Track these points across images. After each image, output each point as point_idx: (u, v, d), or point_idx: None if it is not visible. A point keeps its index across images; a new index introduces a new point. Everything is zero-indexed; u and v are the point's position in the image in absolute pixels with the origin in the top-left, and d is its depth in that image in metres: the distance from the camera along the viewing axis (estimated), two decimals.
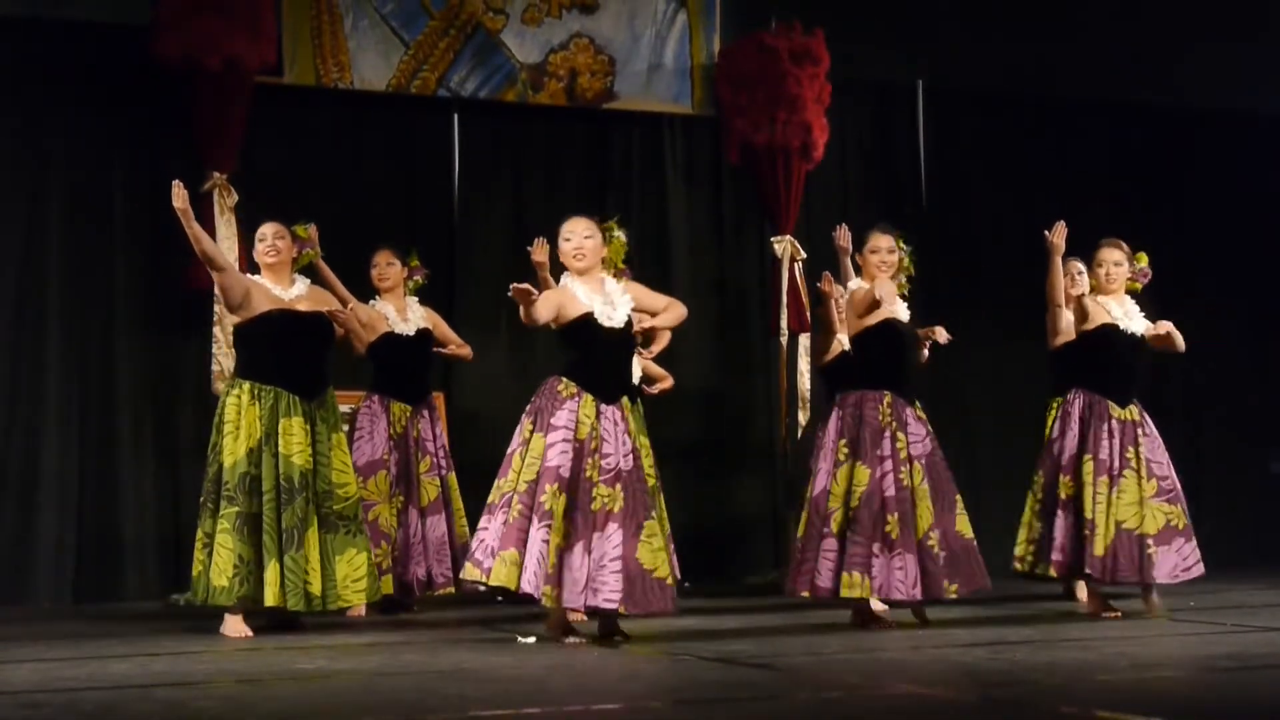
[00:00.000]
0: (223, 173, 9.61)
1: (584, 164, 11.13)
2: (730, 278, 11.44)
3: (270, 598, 7.70)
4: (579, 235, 7.46)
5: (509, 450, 7.34)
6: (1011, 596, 9.19)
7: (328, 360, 8.20)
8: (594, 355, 7.35)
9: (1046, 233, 8.36)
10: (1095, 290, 8.56)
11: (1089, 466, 8.27)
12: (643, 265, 10.73)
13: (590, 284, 7.41)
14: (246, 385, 7.90)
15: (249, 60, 9.58)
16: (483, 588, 7.33)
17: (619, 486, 7.18)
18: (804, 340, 10.94)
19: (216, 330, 9.57)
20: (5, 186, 9.78)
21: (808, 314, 10.76)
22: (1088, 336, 8.46)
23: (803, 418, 10.91)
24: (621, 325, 7.39)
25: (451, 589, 8.98)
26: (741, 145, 10.89)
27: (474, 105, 10.71)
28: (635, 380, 9.25)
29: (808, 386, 10.95)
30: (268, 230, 8.11)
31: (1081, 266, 9.12)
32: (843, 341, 8.61)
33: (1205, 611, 8.40)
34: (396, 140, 10.66)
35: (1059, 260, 8.40)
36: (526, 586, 7.05)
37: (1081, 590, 8.83)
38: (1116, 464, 8.27)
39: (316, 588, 7.81)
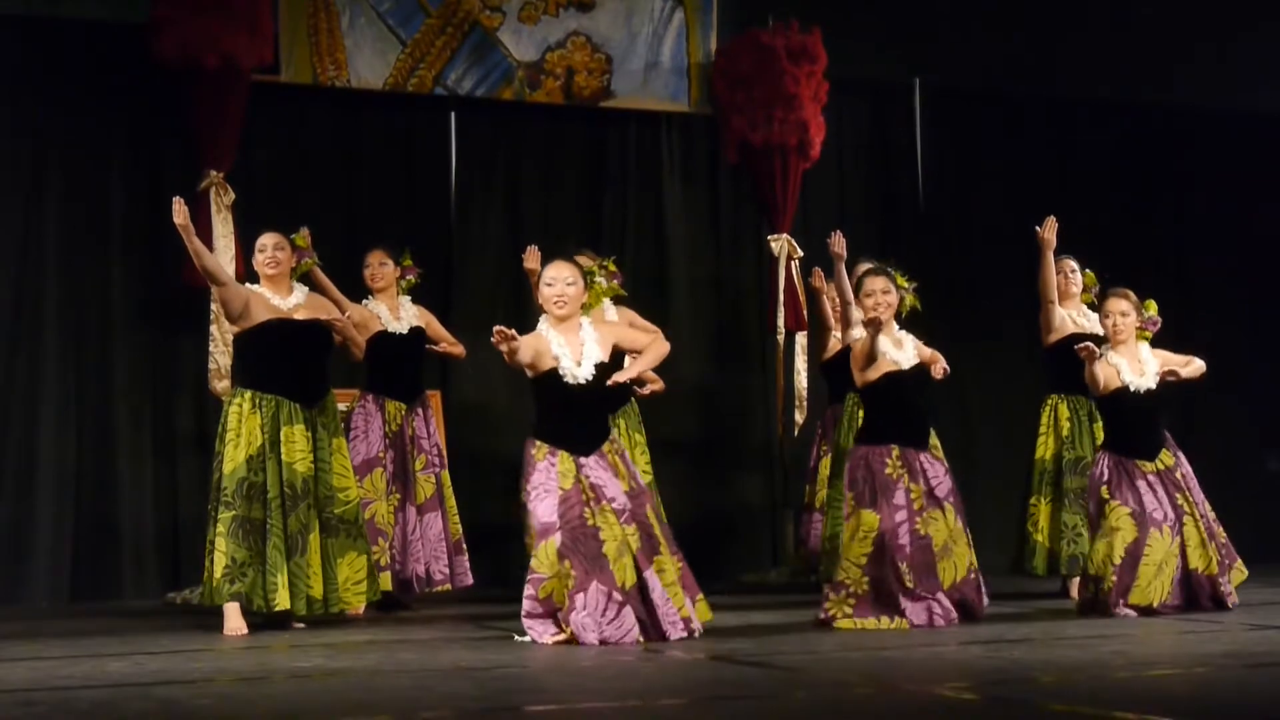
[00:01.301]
0: (220, 171, 9.61)
1: (581, 163, 11.12)
2: (727, 276, 11.44)
3: (283, 601, 7.78)
4: (561, 282, 7.31)
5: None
6: (1007, 595, 9.18)
7: (327, 367, 8.25)
8: (561, 411, 7.24)
9: (1037, 228, 8.32)
10: (1112, 341, 8.39)
11: (1122, 513, 8.17)
12: (639, 264, 10.75)
13: (567, 331, 7.30)
14: (248, 394, 7.97)
15: (246, 58, 9.58)
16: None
17: (634, 525, 7.15)
18: (801, 338, 10.94)
19: (214, 328, 9.56)
20: (3, 183, 9.79)
21: (804, 312, 10.77)
22: (1105, 400, 8.36)
23: (799, 416, 10.91)
24: (589, 379, 7.23)
25: (448, 586, 8.99)
26: (739, 143, 10.89)
27: (471, 103, 10.71)
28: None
29: (805, 385, 10.95)
30: (268, 241, 8.13)
31: (1075, 265, 9.11)
32: (839, 338, 8.62)
33: (1205, 609, 8.39)
34: (393, 138, 10.66)
35: (1050, 256, 8.36)
36: (539, 639, 7.03)
37: (1075, 588, 8.81)
38: (1168, 514, 8.20)
39: (318, 591, 7.90)
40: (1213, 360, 11.89)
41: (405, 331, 9.06)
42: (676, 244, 11.25)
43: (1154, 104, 12.35)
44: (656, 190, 11.24)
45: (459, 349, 9.37)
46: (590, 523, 7.07)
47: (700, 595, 7.44)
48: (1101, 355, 8.32)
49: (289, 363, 8.03)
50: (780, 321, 10.92)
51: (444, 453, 9.24)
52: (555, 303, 7.30)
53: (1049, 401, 9.30)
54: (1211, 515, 8.46)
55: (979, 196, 12.00)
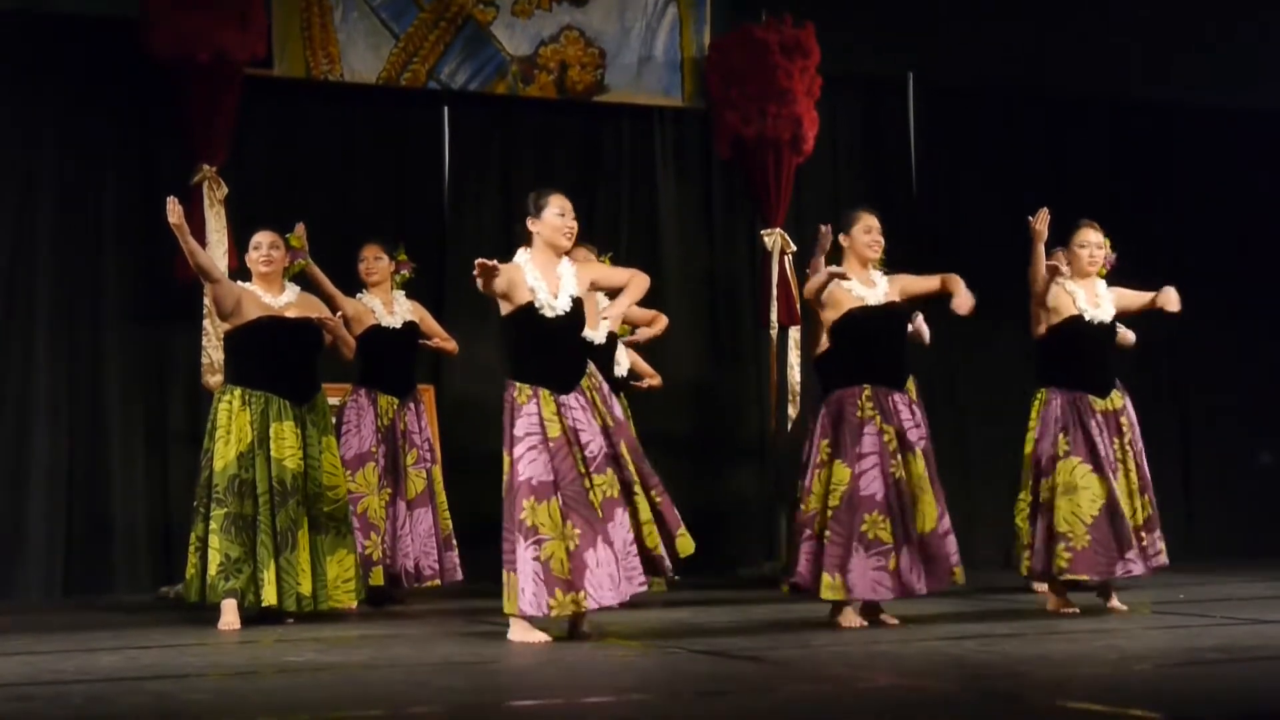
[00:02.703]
0: (213, 165, 9.60)
1: (574, 157, 11.12)
2: (720, 270, 11.45)
3: (270, 597, 7.81)
4: (570, 213, 7.24)
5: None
6: (999, 589, 9.20)
7: (317, 365, 8.26)
8: (538, 346, 7.11)
9: (1030, 219, 8.25)
10: (1076, 273, 8.35)
11: (1073, 466, 8.09)
12: (632, 258, 10.74)
13: (545, 266, 7.19)
14: (237, 391, 8.02)
15: (238, 53, 9.57)
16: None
17: (611, 470, 7.03)
18: (794, 333, 10.94)
19: (206, 323, 9.55)
20: None
21: (797, 307, 10.77)
22: (1056, 331, 8.29)
23: (792, 410, 10.91)
24: (566, 311, 7.11)
25: (438, 581, 9.00)
26: (732, 138, 10.89)
27: (464, 98, 10.71)
28: (623, 373, 9.28)
29: (798, 379, 10.96)
30: (263, 239, 8.14)
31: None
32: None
33: (1193, 604, 8.41)
34: (387, 133, 10.66)
35: (1042, 248, 8.26)
36: (528, 609, 6.87)
37: (1041, 584, 8.74)
38: (1114, 461, 8.14)
39: (307, 588, 7.94)
40: (1202, 352, 11.93)
41: (399, 326, 9.07)
42: (669, 238, 11.25)
43: (1148, 99, 12.35)
44: (650, 185, 11.24)
45: (452, 345, 9.37)
46: (582, 475, 6.98)
47: (681, 530, 7.22)
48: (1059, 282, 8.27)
49: (279, 360, 8.05)
50: (773, 316, 10.92)
51: (435, 448, 9.24)
52: (566, 233, 7.21)
53: (1039, 394, 9.32)
54: (1145, 468, 8.31)
55: (972, 191, 12.01)
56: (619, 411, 7.29)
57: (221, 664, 6.53)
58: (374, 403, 8.96)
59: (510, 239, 10.69)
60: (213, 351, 9.52)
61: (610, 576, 6.91)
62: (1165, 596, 8.75)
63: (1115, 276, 8.67)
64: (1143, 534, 8.17)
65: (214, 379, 9.46)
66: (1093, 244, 8.38)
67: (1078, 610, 8.07)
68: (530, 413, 7.02)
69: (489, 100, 10.77)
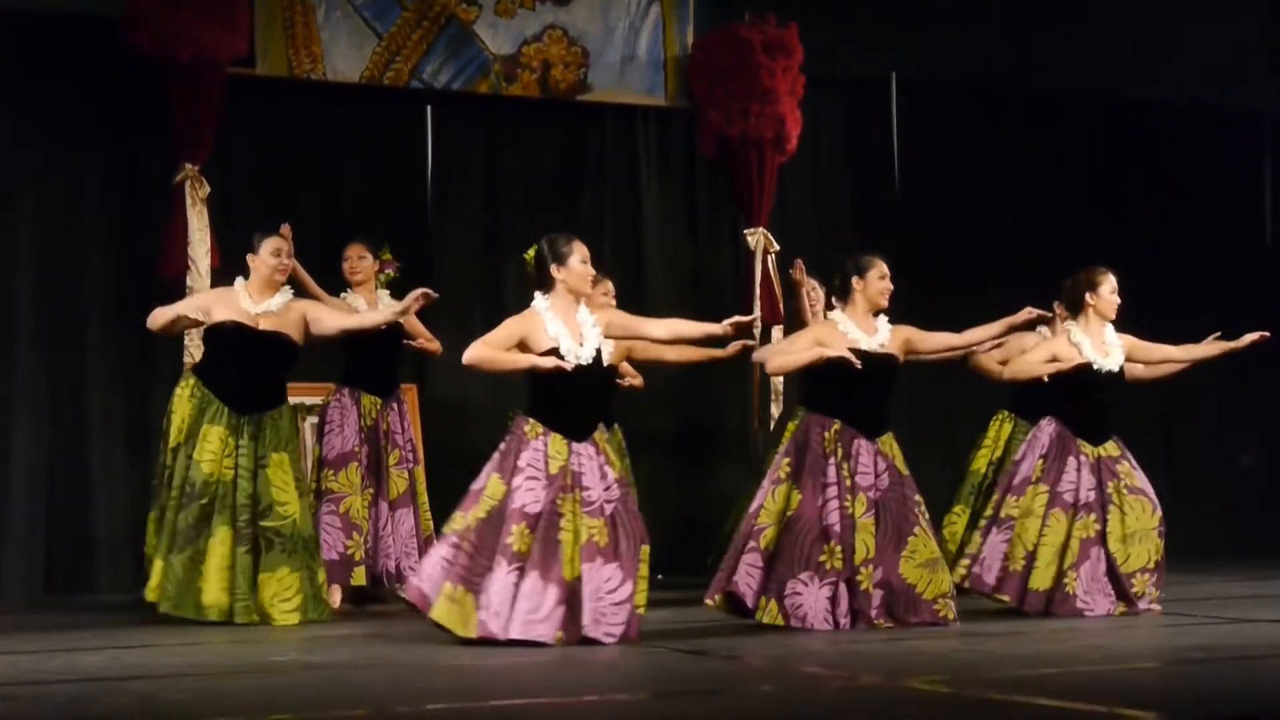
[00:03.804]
0: (196, 164, 9.57)
1: (557, 156, 11.11)
2: (704, 270, 11.44)
3: (149, 593, 7.88)
4: (589, 261, 7.25)
5: (473, 486, 7.17)
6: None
7: (278, 379, 8.24)
8: (558, 393, 7.11)
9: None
10: (1097, 316, 8.26)
11: (1040, 494, 8.10)
12: (616, 257, 10.75)
13: (564, 313, 7.20)
14: (192, 381, 8.14)
15: (221, 51, 9.55)
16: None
17: (603, 520, 7.01)
18: (777, 332, 10.94)
19: None
20: None
21: (781, 306, 10.77)
22: (1064, 378, 8.22)
23: (775, 410, 10.91)
24: (590, 360, 7.14)
25: None
26: (715, 137, 10.88)
27: (447, 97, 10.69)
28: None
29: (781, 380, 10.95)
30: (283, 247, 8.15)
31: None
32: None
33: (1177, 603, 8.42)
34: (370, 132, 10.63)
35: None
36: (494, 629, 6.82)
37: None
38: (1091, 504, 8.10)
39: (213, 596, 7.85)
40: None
41: (382, 326, 9.05)
42: (653, 237, 11.25)
43: (1133, 99, 12.36)
44: (633, 184, 11.23)
45: (435, 345, 9.36)
46: (560, 509, 6.98)
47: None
48: (1061, 332, 8.28)
49: (233, 367, 8.05)
50: (756, 315, 10.92)
51: (418, 448, 9.23)
52: (591, 280, 7.30)
53: (1000, 416, 9.38)
54: (1158, 523, 8.22)
55: (955, 191, 12.02)
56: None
57: (204, 664, 6.53)
58: (357, 402, 8.95)
59: (492, 239, 10.85)
60: (195, 351, 9.49)
61: (526, 612, 6.84)
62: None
63: None
64: (1134, 578, 8.09)
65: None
66: (1111, 292, 8.29)
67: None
68: (537, 448, 7.05)
69: (472, 99, 10.76)
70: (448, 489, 9.57)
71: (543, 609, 6.86)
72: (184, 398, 8.08)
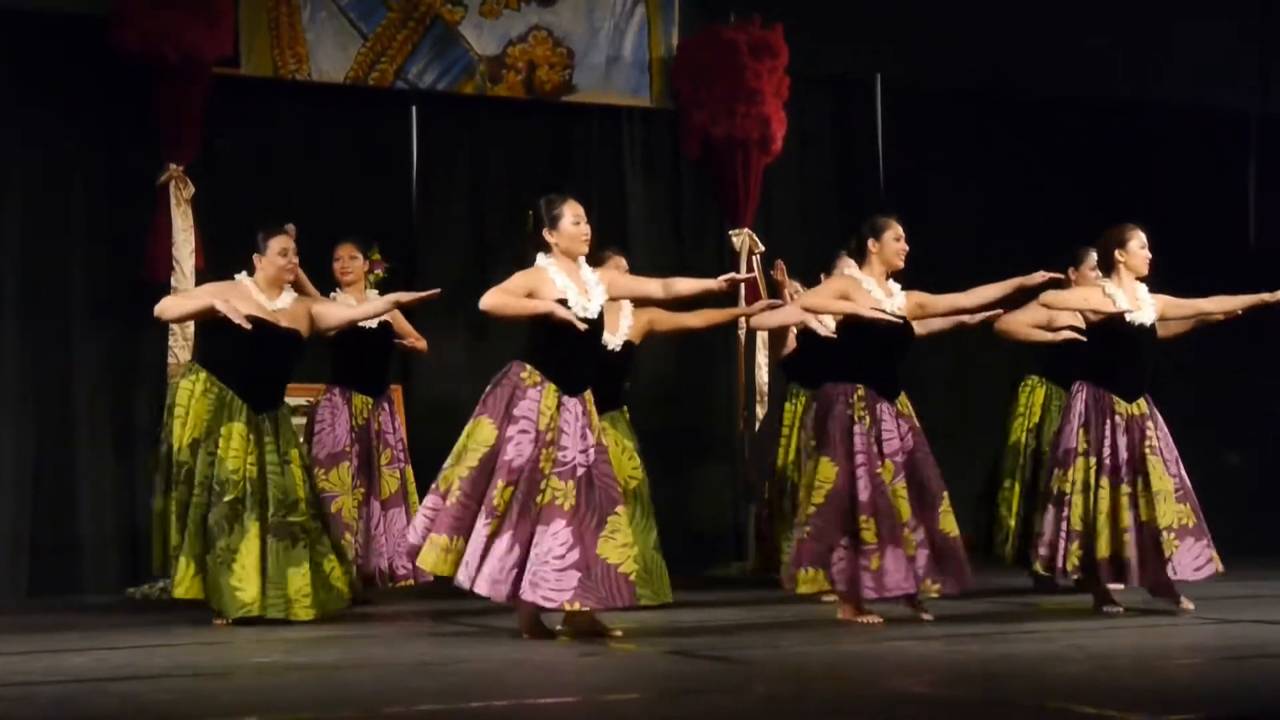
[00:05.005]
0: (180, 165, 9.57)
1: (542, 157, 11.11)
2: (689, 270, 11.37)
3: (178, 590, 7.81)
4: (584, 219, 7.30)
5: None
6: (971, 592, 9.21)
7: (290, 377, 8.24)
8: (562, 344, 7.14)
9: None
10: (1128, 272, 8.23)
11: (1090, 464, 8.04)
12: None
13: (570, 272, 7.24)
14: (202, 375, 8.00)
15: (206, 51, 9.54)
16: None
17: (572, 483, 7.00)
18: (761, 333, 10.95)
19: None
20: None
21: None
22: (1095, 329, 8.18)
23: (760, 410, 10.92)
24: (594, 316, 7.21)
25: (412, 580, 8.99)
26: (700, 138, 10.90)
27: (432, 97, 10.69)
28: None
29: (766, 379, 10.97)
30: (290, 246, 8.13)
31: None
32: (824, 324, 8.64)
33: (1161, 604, 8.43)
34: (355, 132, 10.63)
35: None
36: (462, 579, 6.94)
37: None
38: (1124, 464, 8.04)
39: (251, 593, 7.82)
40: (1171, 353, 11.93)
41: (374, 326, 9.06)
42: (638, 238, 11.24)
43: (1119, 100, 12.39)
44: (618, 185, 11.24)
45: (422, 344, 9.37)
46: (542, 468, 7.01)
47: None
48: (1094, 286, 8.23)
49: (252, 364, 7.98)
50: (754, 273, 10.89)
51: (407, 448, 9.24)
52: (583, 239, 7.29)
53: (1028, 382, 9.32)
54: (1183, 475, 8.21)
55: (940, 192, 12.03)
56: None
57: (190, 665, 6.51)
58: (348, 402, 8.96)
59: (478, 239, 10.85)
60: (179, 351, 9.49)
61: (497, 571, 6.90)
62: (1129, 596, 8.77)
63: None
64: (1161, 536, 7.96)
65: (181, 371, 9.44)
66: (1145, 244, 8.27)
67: (1122, 609, 8.02)
68: (533, 398, 7.06)
69: (457, 100, 10.76)
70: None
71: (505, 570, 6.92)
72: (195, 393, 7.93)
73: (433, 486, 7.19)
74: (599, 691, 5.66)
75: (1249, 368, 12.41)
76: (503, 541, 6.94)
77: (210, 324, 8.06)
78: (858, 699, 5.45)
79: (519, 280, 7.19)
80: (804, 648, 6.86)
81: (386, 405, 9.11)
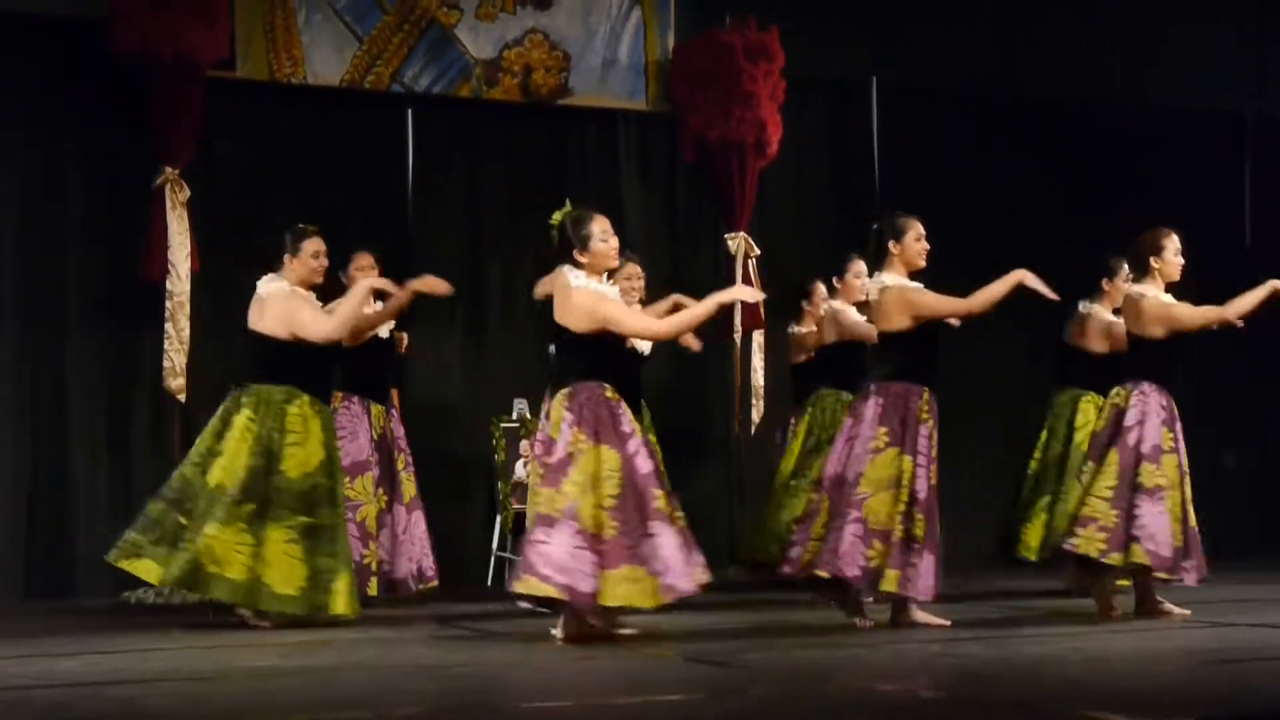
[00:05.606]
0: (175, 168, 9.55)
1: (538, 160, 11.10)
2: (685, 274, 11.42)
3: (340, 606, 7.86)
4: (612, 232, 7.28)
5: (554, 459, 7.08)
6: (967, 596, 9.21)
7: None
8: (622, 359, 7.33)
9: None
10: (1165, 278, 8.29)
11: (1177, 468, 8.05)
12: None
13: (597, 281, 7.27)
14: (305, 398, 7.99)
15: (203, 53, 9.53)
16: (543, 610, 7.28)
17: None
18: (758, 336, 10.95)
19: (169, 326, 9.49)
20: None
21: (761, 311, 10.75)
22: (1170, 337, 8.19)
23: (756, 414, 10.92)
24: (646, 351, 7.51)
25: (436, 582, 9.14)
26: (696, 141, 10.88)
27: (428, 101, 10.68)
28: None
29: (762, 383, 10.96)
30: (322, 248, 8.18)
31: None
32: (854, 324, 8.70)
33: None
34: (350, 136, 10.62)
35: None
36: (682, 586, 7.05)
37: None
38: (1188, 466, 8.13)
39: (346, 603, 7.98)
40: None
41: (385, 335, 9.14)
42: (634, 241, 11.19)
43: (1116, 104, 12.38)
44: (614, 188, 11.22)
45: (403, 292, 9.01)
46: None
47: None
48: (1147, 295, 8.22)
49: (326, 370, 8.21)
50: (737, 320, 10.91)
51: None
52: (614, 254, 7.29)
53: (1087, 398, 9.31)
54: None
55: (935, 195, 11.99)
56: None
57: (184, 669, 6.51)
58: (367, 411, 9.01)
59: (473, 242, 10.84)
60: (175, 355, 9.47)
61: (685, 564, 7.10)
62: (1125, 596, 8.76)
63: (1081, 275, 8.70)
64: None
65: (175, 382, 9.42)
66: (1179, 249, 8.34)
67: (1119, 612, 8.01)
68: (625, 413, 7.16)
69: (453, 103, 10.74)
70: (428, 489, 9.59)
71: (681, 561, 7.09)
72: (304, 415, 7.95)
73: (547, 516, 7.02)
74: (593, 695, 5.65)
75: (1249, 368, 12.41)
76: (676, 536, 7.13)
77: (286, 340, 7.99)
78: (855, 703, 5.44)
79: (610, 304, 7.16)
80: (801, 650, 6.86)
81: (395, 412, 9.22)
